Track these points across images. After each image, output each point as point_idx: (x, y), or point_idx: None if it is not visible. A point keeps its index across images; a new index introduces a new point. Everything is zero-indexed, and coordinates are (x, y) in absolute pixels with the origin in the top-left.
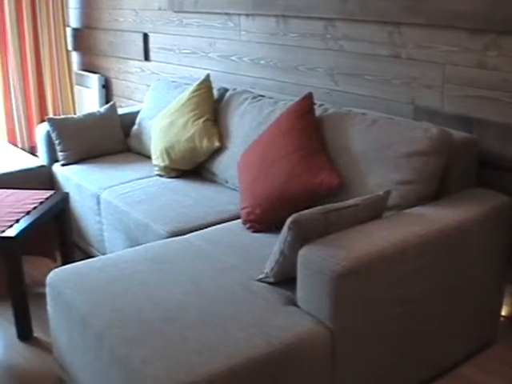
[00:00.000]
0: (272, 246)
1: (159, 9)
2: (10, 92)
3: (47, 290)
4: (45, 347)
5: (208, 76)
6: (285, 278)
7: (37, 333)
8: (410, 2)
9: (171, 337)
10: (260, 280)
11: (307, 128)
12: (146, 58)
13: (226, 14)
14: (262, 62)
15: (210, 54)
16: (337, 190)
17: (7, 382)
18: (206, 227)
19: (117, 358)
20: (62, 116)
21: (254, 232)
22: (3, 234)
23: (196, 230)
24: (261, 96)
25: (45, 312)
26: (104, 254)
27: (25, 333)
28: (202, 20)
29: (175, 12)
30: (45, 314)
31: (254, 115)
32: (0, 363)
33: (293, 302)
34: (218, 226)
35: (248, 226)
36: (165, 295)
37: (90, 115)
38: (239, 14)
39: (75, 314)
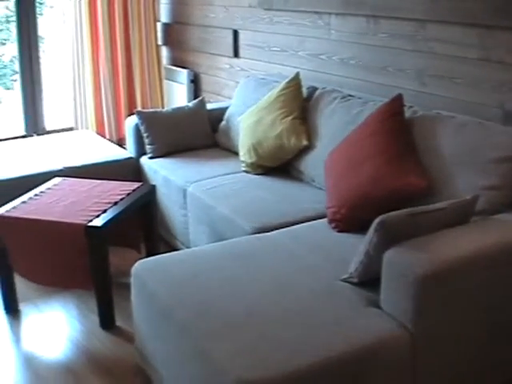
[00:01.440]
0: (357, 246)
1: (249, 6)
2: (100, 84)
3: (132, 280)
4: (126, 336)
5: (297, 74)
6: (368, 279)
7: (119, 322)
8: (503, 5)
9: (253, 333)
10: (343, 280)
11: (396, 129)
12: (236, 54)
13: (316, 12)
14: (351, 61)
15: (299, 53)
16: (423, 192)
17: (88, 368)
18: (291, 225)
19: (198, 351)
20: (151, 109)
21: (339, 232)
22: (90, 224)
23: (281, 228)
24: (350, 96)
25: (127, 302)
26: (188, 247)
27: (107, 321)
28: (291, 18)
29: (265, 9)
30: (127, 304)
31: (342, 115)
32: (82, 350)
33: (375, 304)
34: (303, 224)
35: (333, 225)
36: (248, 291)
37: (179, 109)
38: (329, 13)
39: (159, 305)
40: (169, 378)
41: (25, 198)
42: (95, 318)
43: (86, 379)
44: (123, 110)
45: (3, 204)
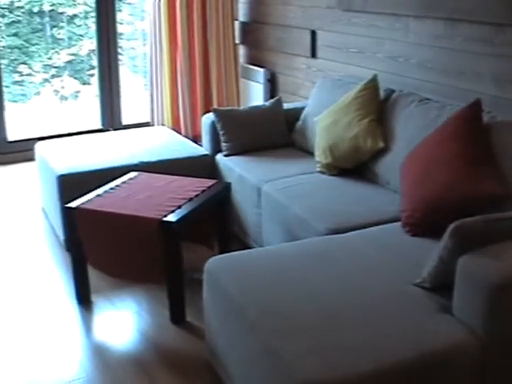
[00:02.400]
0: (431, 251)
1: (327, 7)
2: (177, 81)
3: (204, 276)
4: (196, 332)
5: (375, 76)
6: (441, 285)
7: (189, 317)
8: None
9: (324, 333)
10: (416, 284)
11: (474, 135)
12: (313, 55)
13: (394, 14)
14: (428, 64)
15: (376, 55)
16: (499, 199)
17: (157, 361)
18: (364, 227)
19: (269, 349)
20: (228, 107)
21: (413, 236)
22: (165, 219)
23: (354, 229)
24: (427, 99)
25: (199, 298)
26: (261, 245)
27: (178, 316)
28: (369, 19)
29: (343, 10)
30: (199, 300)
31: (419, 118)
32: (151, 344)
33: (447, 310)
34: (377, 226)
35: (407, 229)
36: (320, 292)
37: (256, 108)
38: (407, 16)
39: (231, 302)
40: (237, 375)
41: (100, 191)
42: (166, 313)
43: (155, 372)
44: (199, 107)
45: (79, 196)
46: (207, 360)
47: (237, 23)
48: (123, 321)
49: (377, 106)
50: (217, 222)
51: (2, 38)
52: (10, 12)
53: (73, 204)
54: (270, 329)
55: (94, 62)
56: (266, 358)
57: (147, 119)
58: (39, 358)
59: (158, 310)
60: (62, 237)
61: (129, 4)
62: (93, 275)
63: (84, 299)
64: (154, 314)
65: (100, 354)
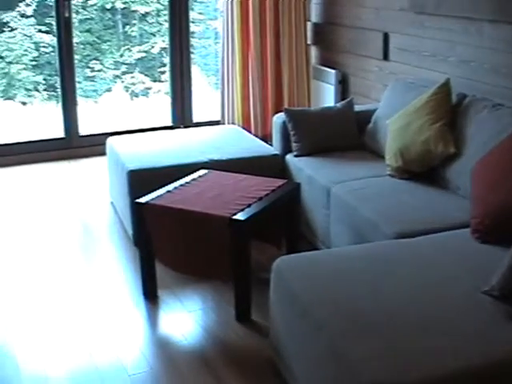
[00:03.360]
0: (500, 258)
1: (400, 9)
2: (248, 81)
3: (272, 275)
4: (261, 330)
5: (448, 80)
6: (510, 294)
7: (254, 316)
8: None
9: (389, 337)
10: (485, 292)
11: None
12: (385, 57)
13: (468, 18)
14: (502, 70)
15: (449, 58)
16: None
17: (221, 358)
18: (433, 232)
19: (334, 351)
20: (299, 108)
21: (482, 243)
22: (234, 217)
23: (423, 234)
24: (499, 105)
25: (264, 296)
26: (328, 246)
27: (243, 314)
28: (442, 23)
29: (416, 13)
30: (264, 299)
31: (492, 124)
32: (216, 340)
33: None
34: (446, 232)
35: (476, 235)
36: (387, 296)
37: (327, 109)
38: (481, 20)
39: (297, 302)
40: (301, 375)
41: (170, 187)
42: (231, 310)
43: (218, 369)
44: (270, 106)
45: (148, 192)
46: (271, 359)
47: (309, 24)
48: (188, 317)
49: (449, 110)
50: (285, 221)
51: (76, 34)
52: (84, 9)
53: (143, 199)
54: (336, 330)
55: (165, 59)
56: (331, 360)
57: (218, 117)
58: (103, 350)
59: (223, 307)
60: (130, 231)
61: (200, 3)
62: (160, 270)
63: (150, 294)
64: (220, 312)
65: (164, 349)
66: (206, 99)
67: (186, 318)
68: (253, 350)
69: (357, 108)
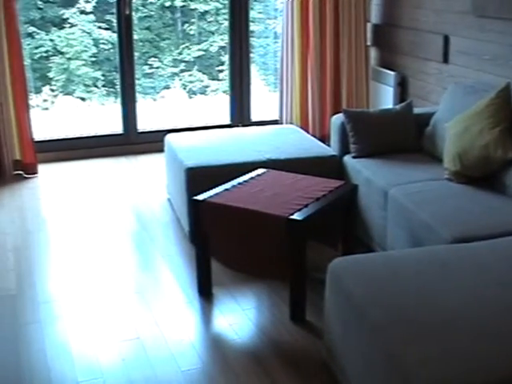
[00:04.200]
0: None
1: (461, 12)
2: (307, 81)
3: (327, 276)
4: (315, 331)
5: (508, 84)
6: None
7: (309, 316)
8: None
9: (446, 342)
10: None
11: None
12: (445, 60)
13: None
14: None
15: (510, 62)
16: None
17: (274, 357)
18: (491, 237)
19: (389, 354)
20: (358, 109)
21: None
22: (291, 217)
23: (481, 239)
24: None
25: (320, 297)
26: (384, 249)
27: (298, 314)
28: (504, 26)
29: (477, 16)
30: (319, 299)
31: None
32: (270, 339)
33: None
34: (504, 238)
35: None
36: (445, 300)
37: (386, 111)
38: None
39: (353, 305)
40: (355, 377)
41: (228, 185)
42: (286, 310)
43: (271, 368)
44: (328, 107)
45: (205, 190)
46: (324, 360)
47: (369, 25)
48: (242, 315)
49: (508, 115)
50: (342, 223)
51: (135, 31)
52: (143, 6)
53: (200, 197)
54: (391, 333)
55: (223, 58)
56: (386, 362)
57: (276, 117)
58: (157, 345)
59: (278, 306)
60: (186, 228)
61: (260, 2)
62: (215, 268)
63: (205, 291)
64: (274, 311)
65: (217, 346)
66: (263, 98)
67: (240, 316)
68: (306, 350)
69: (416, 110)
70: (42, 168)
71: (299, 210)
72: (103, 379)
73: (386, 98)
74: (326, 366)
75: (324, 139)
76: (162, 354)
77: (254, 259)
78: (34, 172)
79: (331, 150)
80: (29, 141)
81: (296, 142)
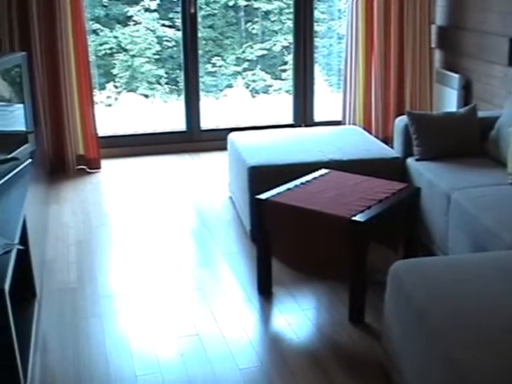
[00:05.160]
0: None
1: None
2: (371, 82)
3: (388, 279)
4: (373, 333)
5: None
6: None
7: (368, 318)
8: None
9: (506, 348)
10: None
11: None
12: (511, 63)
13: None
14: None
15: None
16: None
17: (332, 358)
18: None
19: (449, 358)
20: (422, 112)
21: None
22: (354, 218)
23: None
24: None
25: (379, 299)
26: (445, 253)
27: (357, 316)
28: None
29: None
30: (378, 301)
31: None
32: (328, 340)
33: None
34: None
35: None
36: (505, 306)
37: (450, 114)
38: None
39: (414, 308)
40: (412, 380)
41: (291, 185)
42: (345, 311)
43: (328, 369)
44: (392, 109)
45: (267, 189)
46: (382, 362)
47: (433, 27)
48: (301, 315)
49: None
50: (404, 225)
51: (199, 29)
52: (207, 5)
53: (263, 196)
54: (452, 338)
55: (286, 58)
56: (443, 366)
57: (338, 117)
58: (216, 342)
59: (337, 307)
60: (247, 227)
61: (323, 2)
62: (276, 267)
63: (265, 290)
64: (333, 312)
65: (275, 345)
66: (326, 99)
67: (299, 316)
68: (364, 352)
69: (480, 114)
70: (104, 163)
71: (362, 211)
72: (161, 374)
73: (449, 100)
74: (383, 367)
75: (387, 141)
76: (221, 351)
77: (314, 259)
78: (97, 167)
79: (394, 151)
80: (93, 136)
81: (359, 143)
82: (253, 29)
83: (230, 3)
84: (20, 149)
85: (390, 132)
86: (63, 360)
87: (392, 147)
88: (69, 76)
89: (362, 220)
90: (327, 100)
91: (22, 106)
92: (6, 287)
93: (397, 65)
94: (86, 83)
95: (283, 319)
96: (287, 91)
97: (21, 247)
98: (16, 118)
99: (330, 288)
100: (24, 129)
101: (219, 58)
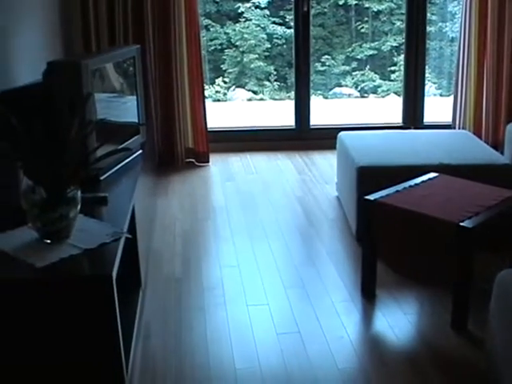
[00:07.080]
0: None
1: None
2: (483, 86)
3: (494, 287)
4: (476, 341)
5: None
6: None
7: (470, 325)
8: None
9: None
10: None
11: None
12: None
13: None
14: None
15: None
16: None
17: (432, 365)
18: None
19: None
20: None
21: None
22: (461, 224)
23: None
24: None
25: (483, 307)
26: None
27: (459, 323)
28: None
29: None
30: (483, 309)
31: None
32: (428, 346)
33: None
34: None
35: None
36: None
37: None
38: None
39: None
40: None
41: (400, 187)
42: (447, 318)
43: (428, 375)
44: (503, 114)
45: (375, 189)
46: (484, 371)
47: None
48: (404, 319)
49: None
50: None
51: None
52: (318, 4)
53: (371, 197)
54: None
55: (396, 58)
56: None
57: (448, 121)
58: (316, 340)
59: (439, 313)
60: (353, 227)
61: (434, 4)
62: (380, 269)
63: (368, 291)
64: (435, 318)
65: (375, 348)
66: (435, 101)
67: (401, 320)
68: (466, 360)
69: None
70: (213, 157)
71: (470, 217)
72: (260, 369)
73: None
74: (485, 377)
75: (497, 147)
76: (320, 349)
77: (420, 264)
78: (206, 161)
79: (505, 158)
80: (202, 130)
81: (469, 147)
82: (362, 28)
83: (341, 2)
84: (131, 139)
85: (501, 138)
86: (165, 349)
87: (502, 153)
88: (181, 70)
89: (469, 226)
90: (437, 103)
91: (134, 98)
92: (114, 274)
93: (509, 70)
94: (197, 78)
95: (385, 322)
96: (396, 92)
97: (129, 236)
98: (129, 110)
99: (433, 293)
100: (136, 121)
101: (329, 56)
